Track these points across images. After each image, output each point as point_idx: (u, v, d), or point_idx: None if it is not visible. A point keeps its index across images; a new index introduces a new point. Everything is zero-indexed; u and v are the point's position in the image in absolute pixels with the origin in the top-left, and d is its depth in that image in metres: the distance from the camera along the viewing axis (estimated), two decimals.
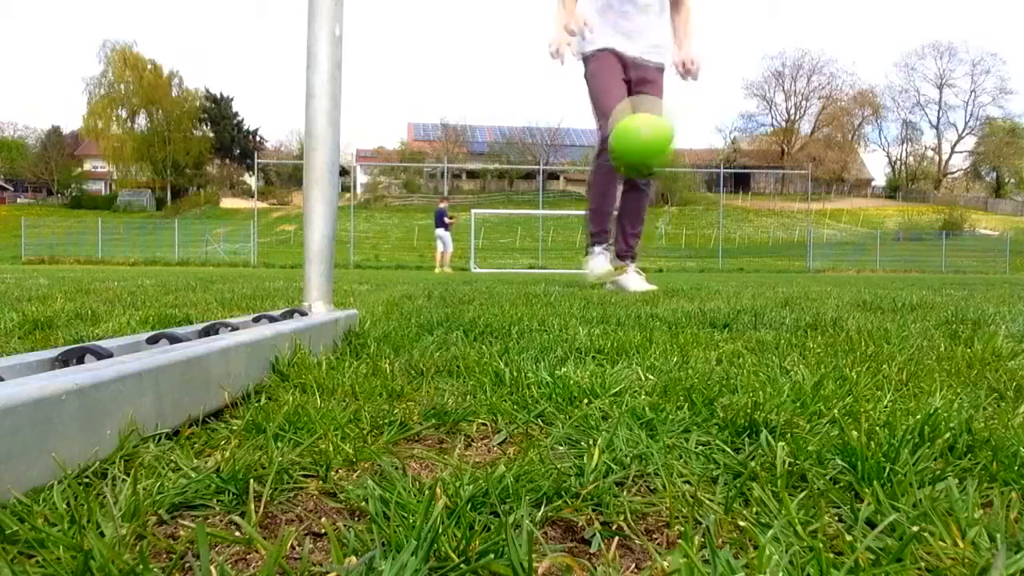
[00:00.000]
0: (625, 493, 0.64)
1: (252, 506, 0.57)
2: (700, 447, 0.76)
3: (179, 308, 2.41)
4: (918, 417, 0.79)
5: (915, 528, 0.50)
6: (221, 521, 0.58)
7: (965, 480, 0.64)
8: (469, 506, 0.57)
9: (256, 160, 31.71)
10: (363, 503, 0.59)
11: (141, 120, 55.65)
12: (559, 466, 0.67)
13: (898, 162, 63.96)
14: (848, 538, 0.51)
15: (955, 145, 62.49)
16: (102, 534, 0.50)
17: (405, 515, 0.55)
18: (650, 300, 3.21)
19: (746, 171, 54.89)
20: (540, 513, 0.58)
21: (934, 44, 63.97)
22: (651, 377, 1.13)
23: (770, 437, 0.75)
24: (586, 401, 0.96)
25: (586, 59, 4.54)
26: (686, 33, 4.54)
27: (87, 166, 60.33)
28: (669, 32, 4.57)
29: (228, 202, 52.65)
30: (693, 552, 0.45)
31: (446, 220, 17.25)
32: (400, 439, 0.83)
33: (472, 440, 0.85)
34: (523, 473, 0.64)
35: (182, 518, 0.58)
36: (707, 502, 0.60)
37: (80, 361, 0.82)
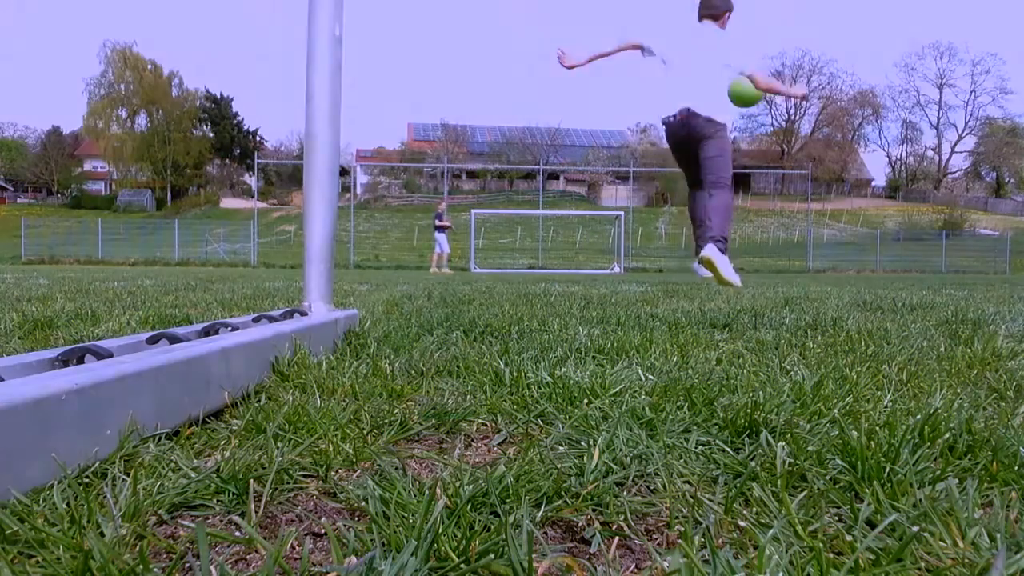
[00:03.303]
0: (625, 493, 0.64)
1: (252, 506, 0.57)
2: (700, 447, 0.76)
3: (179, 308, 2.41)
4: (918, 417, 0.79)
5: (915, 528, 0.50)
6: (221, 521, 0.58)
7: (965, 480, 0.64)
8: (469, 506, 0.57)
9: (256, 160, 31.65)
10: (363, 503, 0.59)
11: (141, 120, 55.69)
12: (559, 466, 0.67)
13: (898, 162, 63.94)
14: (848, 538, 0.51)
15: (955, 145, 62.48)
16: (102, 534, 0.50)
17: (405, 515, 0.55)
18: (650, 300, 3.21)
19: (746, 171, 54.86)
20: (540, 513, 0.58)
21: (934, 44, 64.24)
22: (651, 377, 1.12)
23: (770, 437, 0.75)
24: (586, 401, 0.96)
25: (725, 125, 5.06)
26: None
27: (87, 166, 60.31)
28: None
29: (228, 202, 52.63)
30: (693, 552, 0.45)
31: (437, 223, 17.22)
32: (400, 439, 0.83)
33: (472, 440, 0.85)
34: (523, 473, 0.64)
35: (182, 518, 0.58)
36: (707, 502, 0.60)
37: (80, 361, 0.82)
